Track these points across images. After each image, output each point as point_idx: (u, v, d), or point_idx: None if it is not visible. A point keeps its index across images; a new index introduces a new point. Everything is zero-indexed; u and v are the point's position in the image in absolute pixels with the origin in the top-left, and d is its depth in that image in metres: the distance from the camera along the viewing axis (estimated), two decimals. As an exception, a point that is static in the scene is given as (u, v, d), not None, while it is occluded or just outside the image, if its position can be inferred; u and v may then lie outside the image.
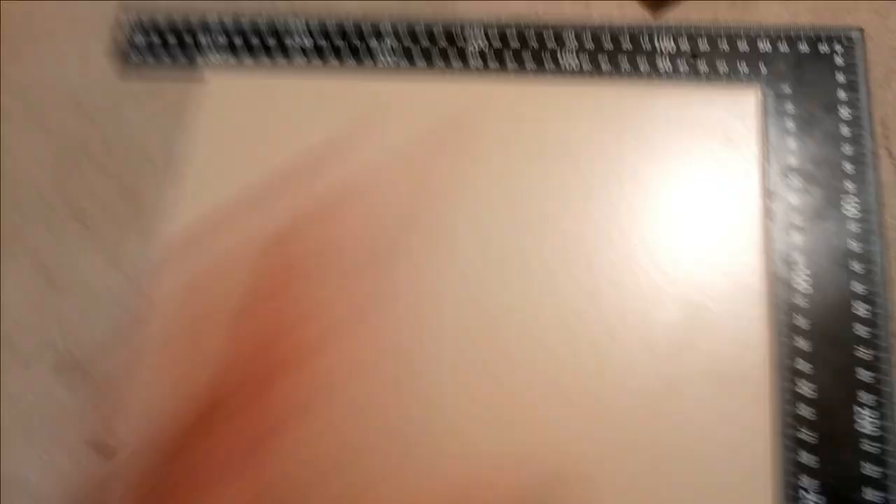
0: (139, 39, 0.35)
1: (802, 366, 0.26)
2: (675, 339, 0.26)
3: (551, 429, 0.26)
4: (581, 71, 0.31)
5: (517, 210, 0.29)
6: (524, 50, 0.32)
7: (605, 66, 0.31)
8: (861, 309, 0.26)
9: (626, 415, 0.25)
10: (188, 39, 0.34)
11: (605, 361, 0.26)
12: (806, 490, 0.24)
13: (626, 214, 0.28)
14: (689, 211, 0.28)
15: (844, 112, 0.29)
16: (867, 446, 0.25)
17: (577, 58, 0.31)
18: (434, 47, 0.32)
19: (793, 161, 0.28)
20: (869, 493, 0.24)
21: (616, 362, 0.26)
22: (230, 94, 0.32)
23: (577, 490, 0.25)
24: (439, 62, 0.32)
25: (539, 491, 0.25)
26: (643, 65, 0.30)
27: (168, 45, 0.34)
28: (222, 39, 0.34)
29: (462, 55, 0.32)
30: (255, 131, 0.32)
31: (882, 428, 0.25)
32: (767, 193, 0.28)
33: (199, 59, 0.34)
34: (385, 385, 0.26)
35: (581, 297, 0.27)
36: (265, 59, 0.33)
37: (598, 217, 0.28)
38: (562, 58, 0.31)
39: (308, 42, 0.33)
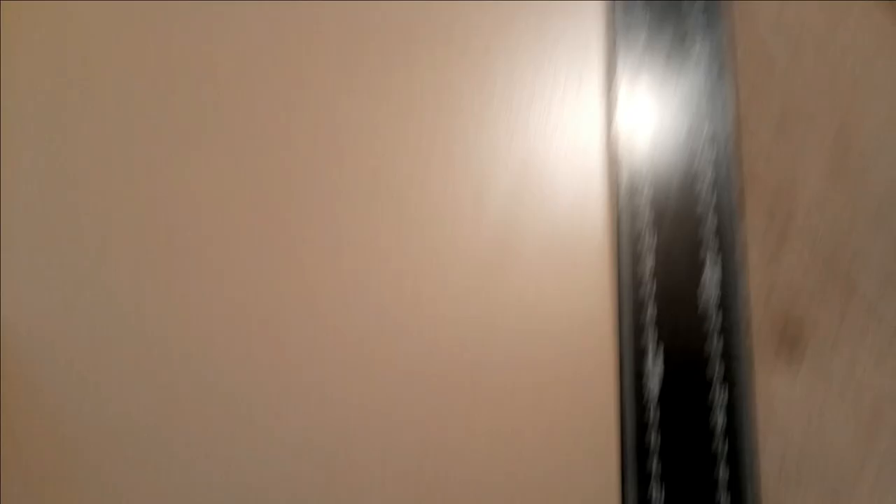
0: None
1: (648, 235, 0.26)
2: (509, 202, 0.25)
3: (398, 291, 0.26)
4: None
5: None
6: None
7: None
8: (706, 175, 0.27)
9: (466, 278, 0.25)
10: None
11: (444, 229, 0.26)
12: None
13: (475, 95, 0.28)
14: (530, 84, 0.27)
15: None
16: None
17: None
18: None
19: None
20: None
21: (451, 229, 0.26)
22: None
23: (426, 334, 0.25)
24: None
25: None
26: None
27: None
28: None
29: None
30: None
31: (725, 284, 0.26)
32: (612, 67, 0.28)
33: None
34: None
35: (418, 161, 0.27)
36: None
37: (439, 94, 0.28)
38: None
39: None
